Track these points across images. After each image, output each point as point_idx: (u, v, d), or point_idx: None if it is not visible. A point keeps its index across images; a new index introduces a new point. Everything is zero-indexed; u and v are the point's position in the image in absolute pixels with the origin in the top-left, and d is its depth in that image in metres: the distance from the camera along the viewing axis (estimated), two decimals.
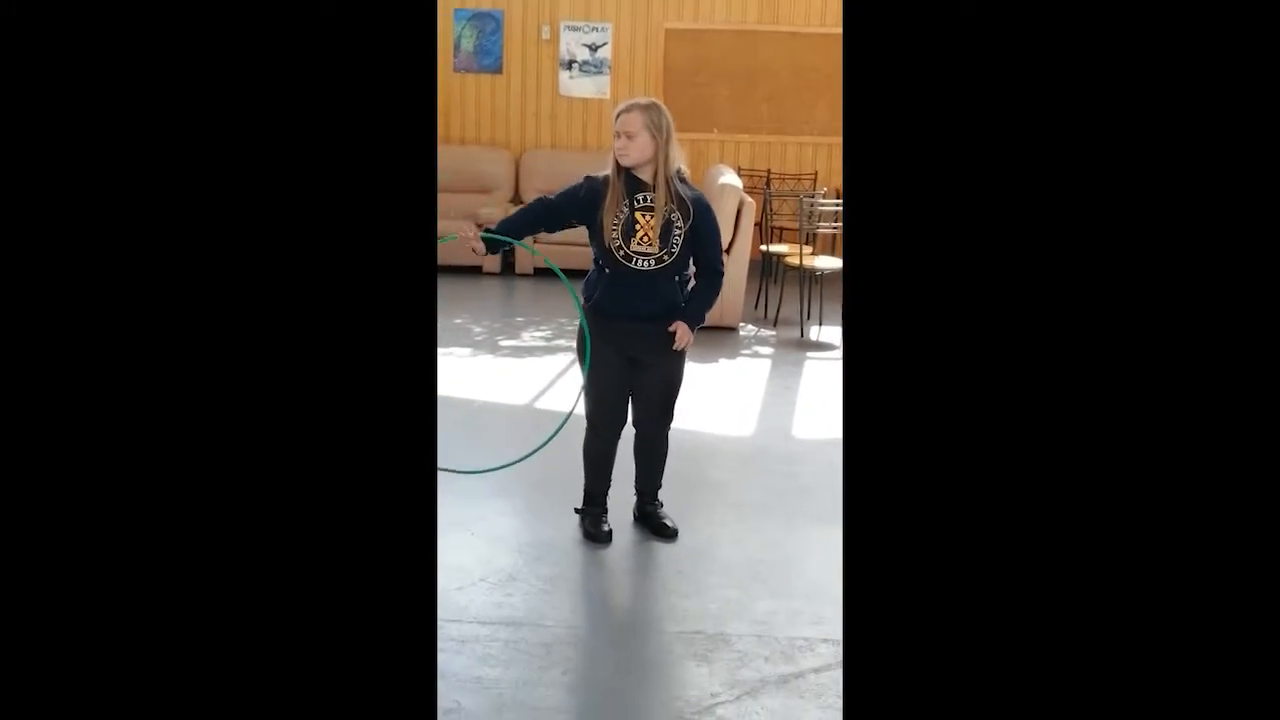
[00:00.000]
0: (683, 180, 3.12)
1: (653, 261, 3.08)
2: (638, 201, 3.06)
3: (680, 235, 3.08)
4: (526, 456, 3.05)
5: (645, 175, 3.07)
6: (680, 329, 3.12)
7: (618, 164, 3.06)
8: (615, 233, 3.06)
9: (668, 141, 3.03)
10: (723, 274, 3.23)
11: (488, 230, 3.07)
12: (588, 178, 3.16)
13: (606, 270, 3.12)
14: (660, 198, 3.04)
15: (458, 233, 3.03)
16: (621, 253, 3.07)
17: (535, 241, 5.32)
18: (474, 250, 3.08)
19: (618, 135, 3.05)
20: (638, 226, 3.05)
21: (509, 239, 3.07)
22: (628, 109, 3.06)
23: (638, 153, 3.03)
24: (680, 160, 3.11)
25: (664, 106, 3.09)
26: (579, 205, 3.12)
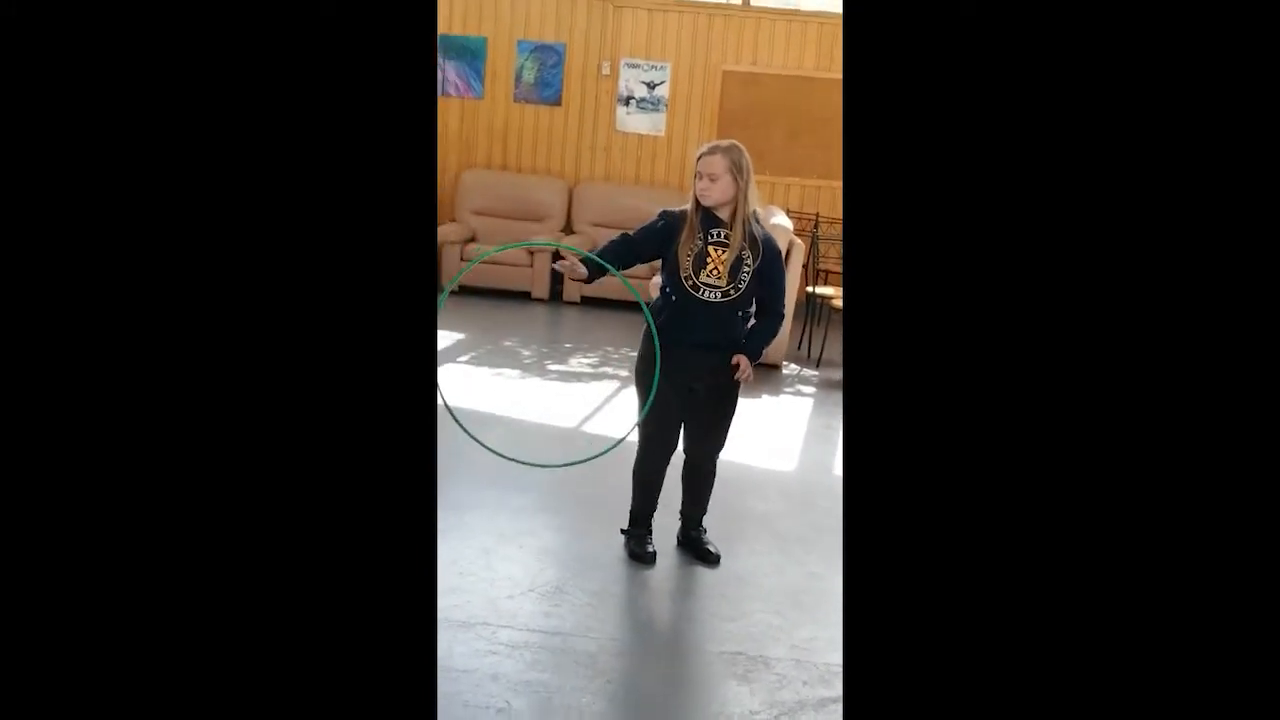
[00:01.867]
0: (757, 221, 3.23)
1: (719, 294, 3.20)
2: (712, 236, 3.18)
3: (749, 272, 3.20)
4: (586, 460, 3.18)
5: (723, 214, 3.19)
6: (742, 361, 3.24)
7: (697, 202, 3.18)
8: (688, 263, 3.18)
9: (747, 183, 3.16)
10: (783, 316, 3.35)
11: (589, 254, 3.20)
12: (664, 212, 3.29)
13: (674, 298, 3.24)
14: (735, 235, 3.17)
15: (564, 259, 3.17)
16: (690, 283, 3.19)
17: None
18: (573, 275, 3.18)
19: (700, 176, 3.16)
20: (709, 260, 3.18)
21: (608, 265, 3.17)
22: (710, 151, 3.17)
23: (719, 194, 3.15)
24: (757, 202, 3.23)
25: (744, 149, 3.20)
26: (657, 237, 3.24)
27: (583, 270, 3.18)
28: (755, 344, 3.30)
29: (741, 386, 3.34)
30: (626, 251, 3.27)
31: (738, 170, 3.14)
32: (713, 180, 3.14)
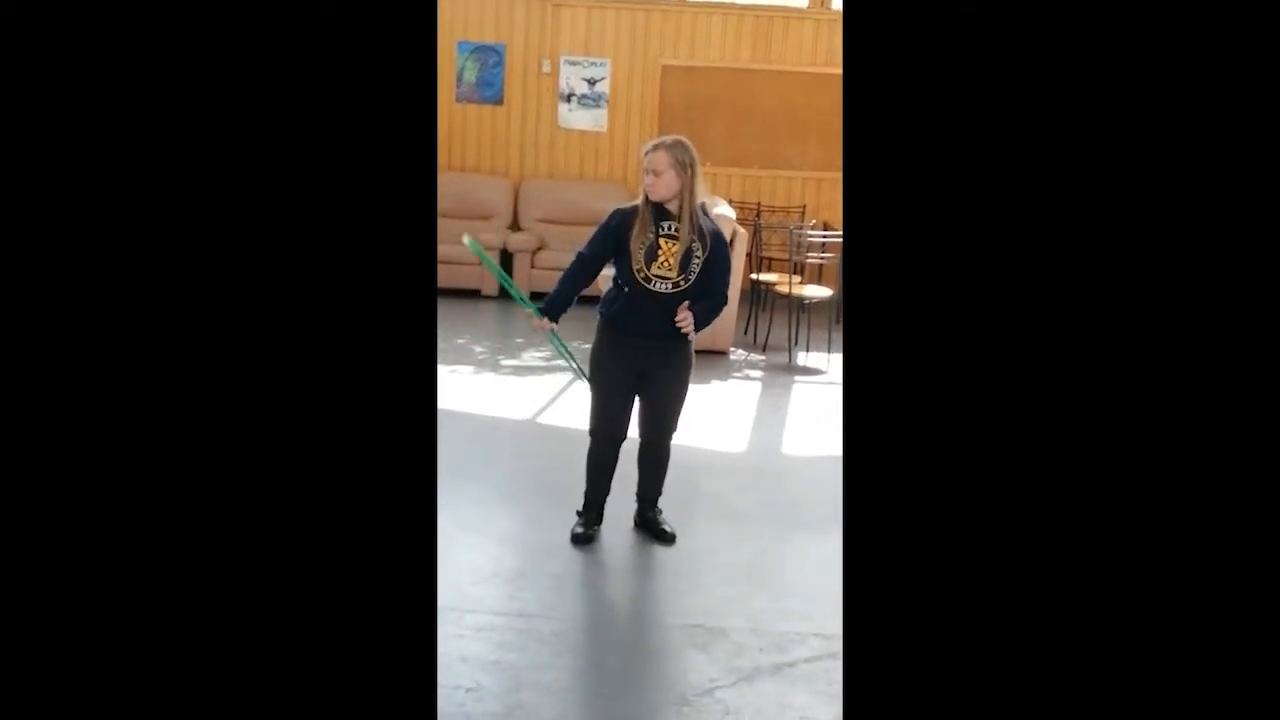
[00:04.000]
0: (705, 214, 3.35)
1: (670, 285, 3.32)
2: (663, 229, 3.30)
3: (699, 264, 3.31)
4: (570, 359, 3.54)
5: (672, 207, 3.31)
6: (685, 313, 3.31)
7: (647, 196, 3.30)
8: (640, 256, 3.30)
9: (693, 177, 3.27)
10: (727, 297, 3.46)
11: (547, 309, 3.44)
12: (617, 210, 3.40)
13: (626, 290, 3.36)
14: (684, 228, 3.28)
15: (537, 327, 3.46)
16: (642, 275, 3.31)
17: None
18: (543, 327, 3.46)
19: (646, 172, 3.28)
20: (660, 252, 3.30)
21: (564, 307, 3.47)
22: (654, 148, 3.28)
23: (664, 189, 3.27)
24: (704, 194, 3.36)
25: (690, 144, 3.30)
26: (611, 236, 3.36)
27: (547, 324, 3.44)
28: (701, 310, 3.37)
29: (692, 372, 3.46)
30: (588, 269, 3.43)
31: (681, 165, 3.25)
32: (657, 175, 3.25)
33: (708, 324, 3.44)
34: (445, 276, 8.11)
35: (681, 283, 3.32)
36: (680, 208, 3.29)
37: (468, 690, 2.58)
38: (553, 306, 3.43)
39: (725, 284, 3.44)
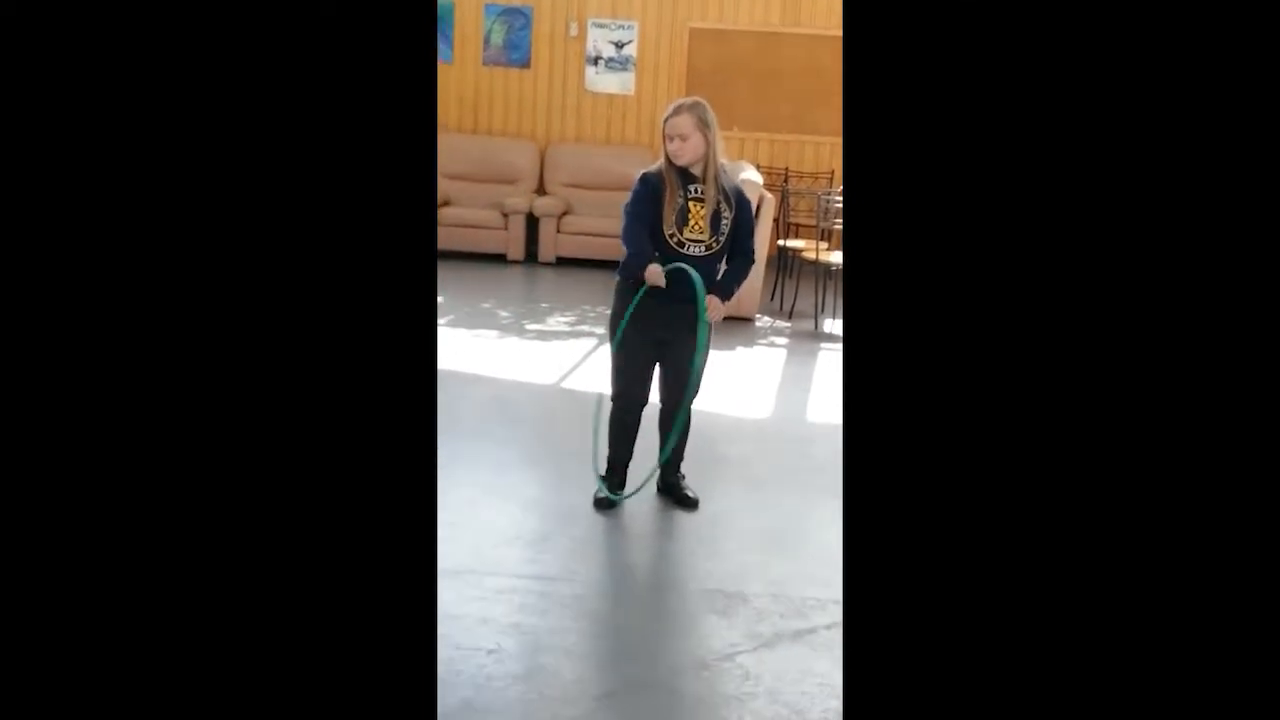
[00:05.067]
0: (724, 172, 3.33)
1: (703, 248, 3.30)
2: (690, 192, 3.27)
3: (728, 223, 3.30)
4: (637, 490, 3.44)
5: (695, 169, 3.28)
6: (713, 301, 3.34)
7: (670, 161, 3.26)
8: (672, 220, 3.27)
9: (715, 137, 3.24)
10: (753, 258, 3.45)
11: (637, 264, 3.27)
12: (645, 174, 3.35)
13: (657, 254, 3.32)
14: (710, 189, 3.26)
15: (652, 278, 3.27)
16: (675, 239, 3.28)
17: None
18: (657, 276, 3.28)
19: (670, 138, 3.23)
20: (690, 215, 3.27)
21: (677, 265, 3.27)
22: (676, 111, 3.24)
23: (692, 152, 3.24)
24: (723, 154, 3.33)
25: (707, 103, 3.27)
26: (650, 201, 3.29)
27: (661, 279, 3.26)
28: (728, 283, 3.40)
29: (713, 336, 3.44)
30: (644, 227, 3.29)
31: (705, 126, 3.22)
32: (684, 140, 3.22)
33: (737, 285, 3.43)
34: (471, 240, 8.12)
35: (714, 244, 3.30)
36: (704, 169, 3.26)
37: (489, 652, 2.59)
38: (641, 256, 3.26)
39: (750, 242, 3.43)
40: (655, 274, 3.26)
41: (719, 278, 3.40)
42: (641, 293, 3.33)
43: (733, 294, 3.42)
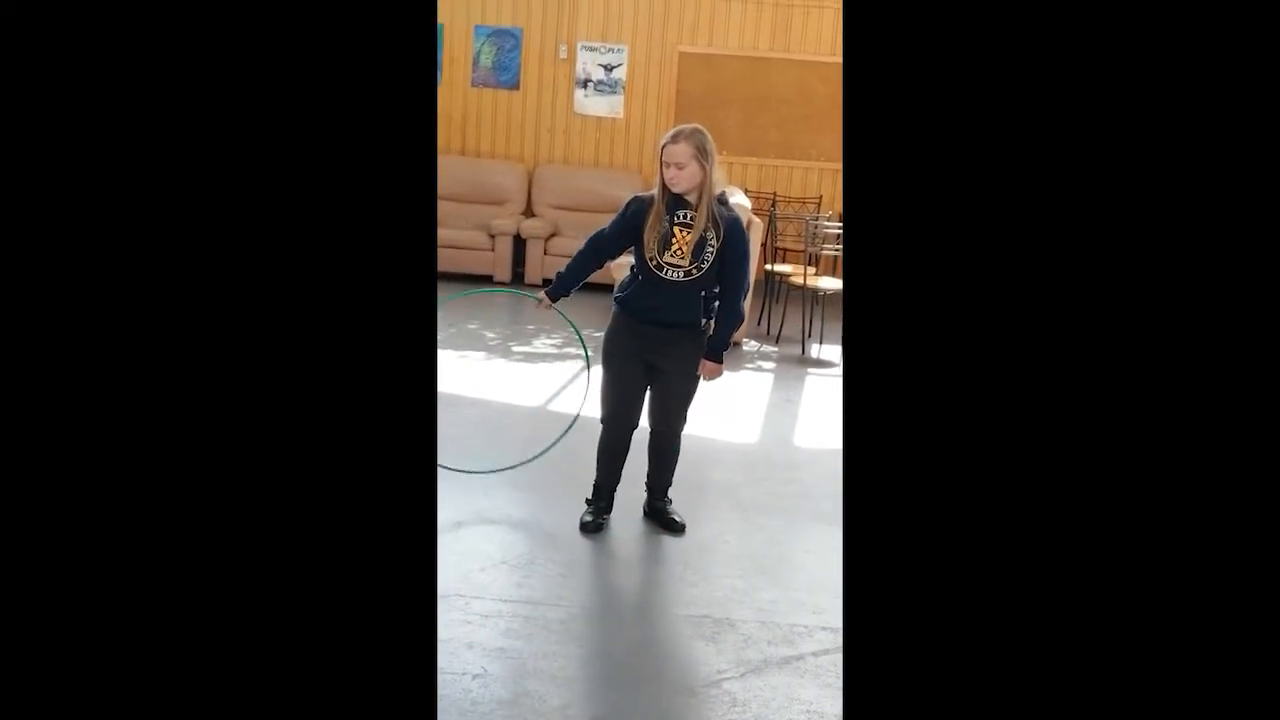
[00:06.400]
0: (723, 203, 3.31)
1: (682, 274, 3.29)
2: (678, 217, 3.27)
3: (712, 252, 3.28)
4: (529, 460, 3.33)
5: (690, 196, 3.27)
6: (706, 368, 3.38)
7: (665, 187, 3.26)
8: (653, 244, 3.27)
9: (712, 166, 3.23)
10: (742, 297, 3.41)
11: (554, 289, 3.50)
12: (635, 197, 3.38)
13: (639, 277, 3.34)
14: (700, 217, 3.24)
15: (537, 301, 3.57)
16: (654, 262, 3.28)
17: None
18: (544, 306, 3.55)
19: (666, 165, 3.23)
20: (673, 240, 3.27)
21: (568, 290, 3.52)
22: (674, 139, 3.22)
23: (687, 180, 3.23)
24: (723, 183, 3.32)
25: (706, 132, 3.26)
26: (628, 222, 3.34)
27: (549, 304, 3.53)
28: (716, 344, 3.39)
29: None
30: (601, 250, 3.43)
31: (702, 154, 3.21)
32: (680, 168, 3.21)
33: (726, 344, 3.42)
34: (457, 261, 8.11)
35: (694, 271, 3.28)
36: (699, 197, 3.26)
37: (474, 676, 2.57)
38: (559, 284, 3.47)
39: (743, 279, 3.39)
40: (545, 302, 3.53)
41: (709, 341, 3.39)
42: (634, 314, 3.35)
43: (721, 354, 3.41)
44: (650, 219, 3.28)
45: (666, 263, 3.28)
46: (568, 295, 3.48)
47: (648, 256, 3.29)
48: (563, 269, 3.49)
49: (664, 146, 3.25)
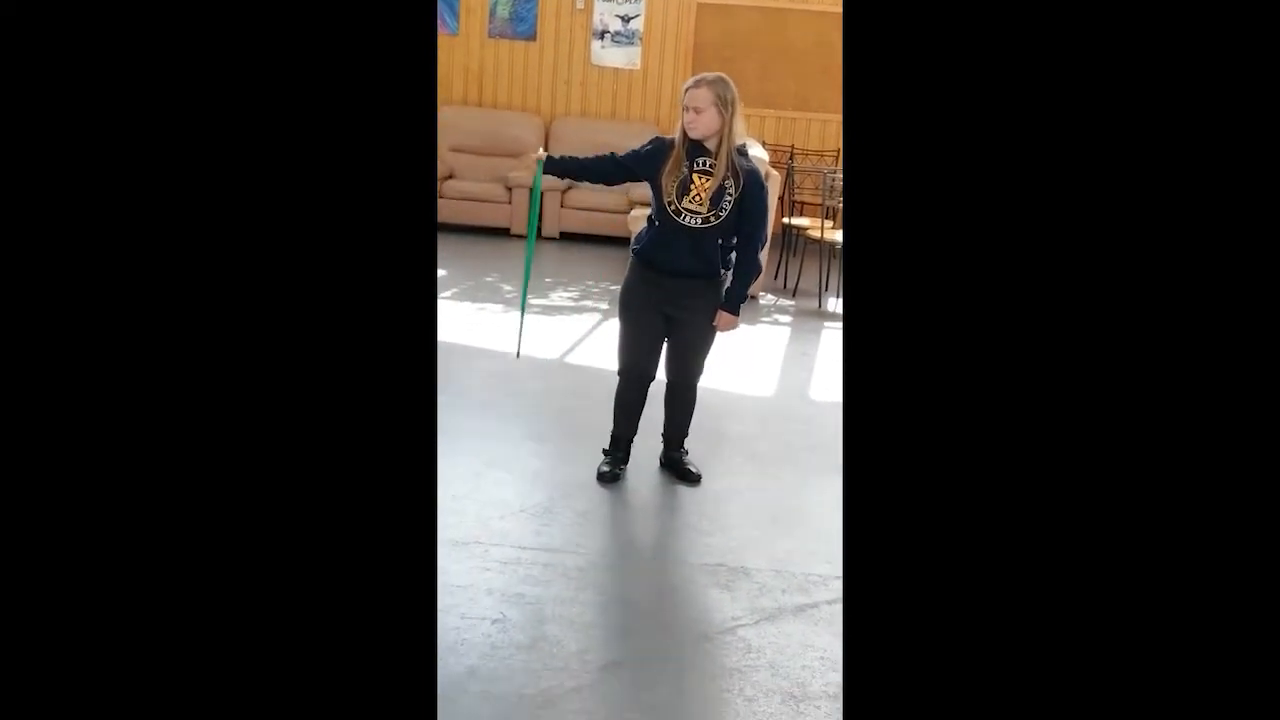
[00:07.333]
0: (743, 154, 3.31)
1: (700, 220, 3.30)
2: (697, 164, 3.27)
3: (731, 201, 3.28)
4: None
5: (710, 144, 3.28)
6: (722, 320, 3.39)
7: (685, 133, 3.27)
8: (671, 188, 3.28)
9: (733, 116, 3.23)
10: (760, 248, 3.42)
11: (551, 159, 3.43)
12: (656, 138, 3.40)
13: (656, 224, 3.36)
14: (720, 165, 3.25)
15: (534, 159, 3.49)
16: (672, 207, 3.29)
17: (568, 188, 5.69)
18: (539, 156, 3.45)
19: (686, 109, 3.24)
20: (692, 186, 3.28)
21: (561, 173, 3.46)
22: (696, 84, 3.23)
23: (705, 126, 3.23)
24: (743, 135, 3.32)
25: (730, 81, 3.26)
26: (642, 160, 3.36)
27: (543, 154, 3.44)
28: (733, 295, 3.40)
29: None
30: (608, 169, 3.43)
31: (722, 103, 3.21)
32: (698, 113, 3.22)
33: (743, 296, 3.43)
34: (474, 214, 8.11)
35: (711, 219, 3.29)
36: (718, 145, 3.26)
37: (493, 621, 2.62)
38: (562, 160, 3.45)
39: (761, 231, 3.40)
40: (541, 155, 3.43)
41: (725, 293, 3.40)
42: (651, 263, 3.36)
43: (738, 306, 3.42)
44: (669, 164, 3.28)
45: (685, 208, 3.29)
46: (560, 176, 3.47)
47: (665, 201, 3.30)
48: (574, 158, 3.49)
49: (686, 90, 3.26)
